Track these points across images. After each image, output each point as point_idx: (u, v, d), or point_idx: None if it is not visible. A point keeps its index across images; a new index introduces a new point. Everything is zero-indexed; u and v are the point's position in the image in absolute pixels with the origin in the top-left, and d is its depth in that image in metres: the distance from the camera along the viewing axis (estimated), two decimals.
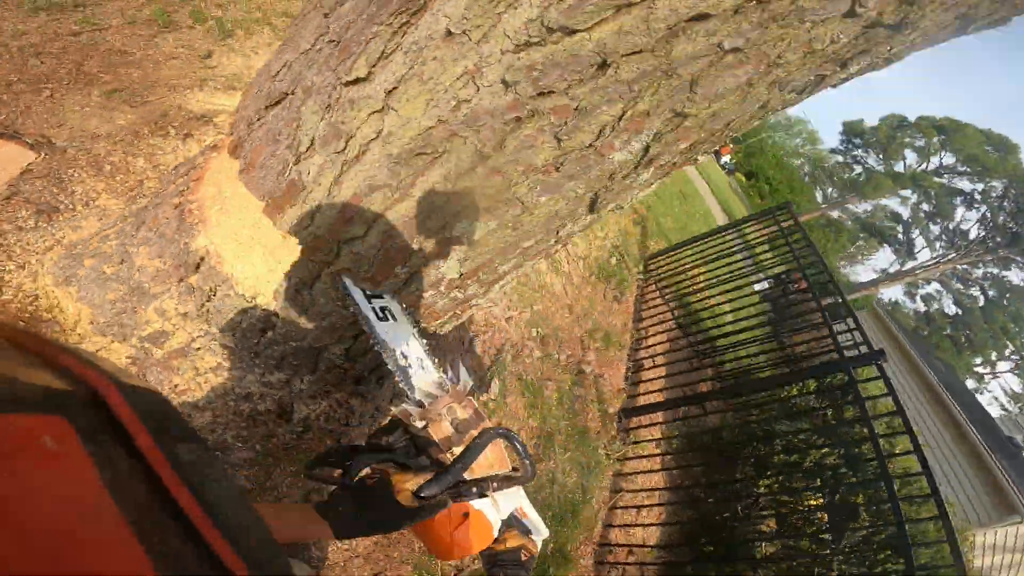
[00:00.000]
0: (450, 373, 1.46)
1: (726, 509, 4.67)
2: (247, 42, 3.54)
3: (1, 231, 2.02)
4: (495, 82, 1.21)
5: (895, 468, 4.18)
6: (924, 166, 32.31)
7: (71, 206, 2.17)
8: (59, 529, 0.31)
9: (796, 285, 7.97)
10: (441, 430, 1.26)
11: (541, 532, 1.35)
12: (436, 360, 1.57)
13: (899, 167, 34.42)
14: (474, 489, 1.15)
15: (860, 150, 38.28)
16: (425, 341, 1.59)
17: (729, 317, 7.17)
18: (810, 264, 5.39)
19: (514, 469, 1.24)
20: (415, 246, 1.61)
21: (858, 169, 38.38)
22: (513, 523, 1.30)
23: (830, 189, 41.20)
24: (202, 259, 1.96)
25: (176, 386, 2.10)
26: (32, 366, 0.39)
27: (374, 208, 1.48)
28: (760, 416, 5.08)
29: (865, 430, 3.97)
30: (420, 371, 1.49)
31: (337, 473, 1.12)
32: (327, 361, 2.22)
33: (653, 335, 5.89)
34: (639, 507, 4.34)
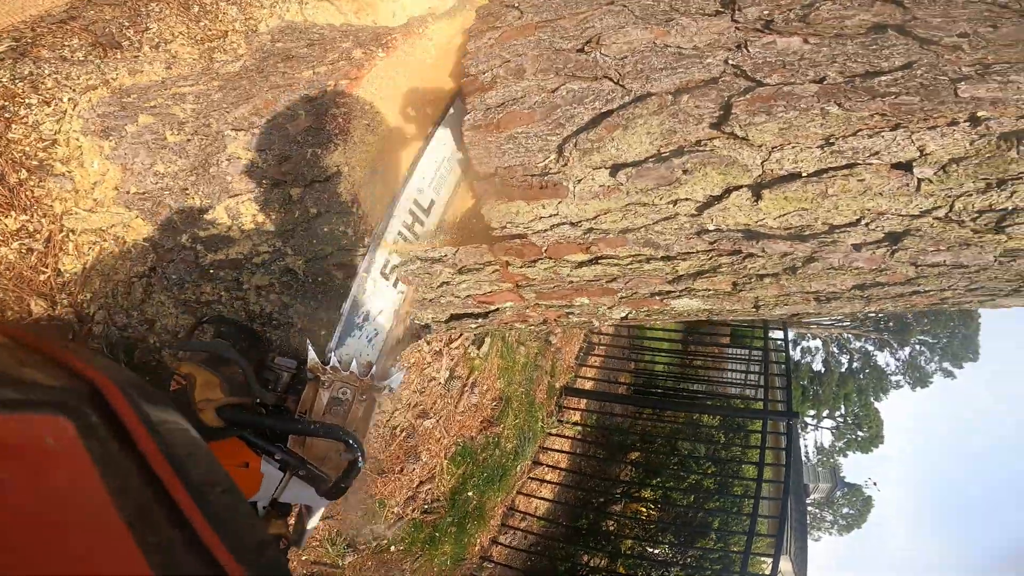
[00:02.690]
0: (391, 371, 1.35)
1: (605, 499, 5.09)
2: None
3: (38, 57, 1.35)
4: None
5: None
6: None
7: (137, 44, 1.53)
8: (58, 525, 0.31)
9: None
10: (314, 393, 1.19)
11: (299, 545, 1.27)
12: (387, 352, 1.43)
13: None
14: (277, 456, 1.09)
15: None
16: (400, 329, 1.46)
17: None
18: None
19: (336, 480, 1.13)
20: None
21: None
22: (287, 514, 1.21)
23: None
24: (329, 178, 1.47)
25: (203, 293, 1.63)
26: (36, 365, 0.42)
27: (622, 253, 1.17)
28: (666, 429, 5.47)
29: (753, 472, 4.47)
30: (363, 340, 1.37)
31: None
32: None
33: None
34: (543, 480, 4.54)
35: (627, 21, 1.06)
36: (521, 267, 1.32)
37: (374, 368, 1.30)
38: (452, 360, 3.21)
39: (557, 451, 4.75)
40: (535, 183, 1.11)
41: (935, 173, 0.92)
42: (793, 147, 0.94)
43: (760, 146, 0.96)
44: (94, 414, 0.38)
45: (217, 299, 1.72)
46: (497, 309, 1.61)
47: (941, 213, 1.00)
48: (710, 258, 1.16)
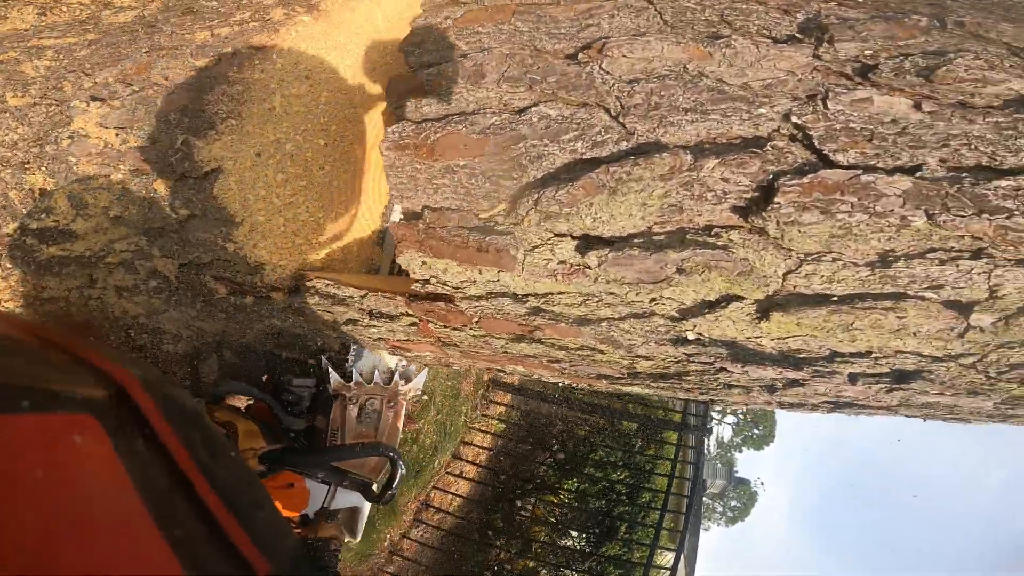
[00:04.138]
0: (412, 374, 1.34)
1: (520, 494, 4.98)
2: None
3: None
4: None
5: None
6: None
7: None
8: (88, 520, 0.31)
9: None
10: (342, 410, 1.21)
11: (355, 536, 1.35)
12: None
13: None
14: (320, 474, 1.12)
15: None
16: None
17: None
18: None
19: (383, 488, 1.17)
20: None
21: None
22: (339, 517, 1.26)
23: None
24: (205, 175, 1.08)
25: (46, 289, 1.25)
26: (62, 364, 0.41)
27: (572, 344, 0.87)
28: (589, 432, 5.39)
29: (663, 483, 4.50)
30: (384, 352, 1.33)
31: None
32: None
33: None
34: (460, 476, 4.34)
35: (651, 26, 0.71)
36: (445, 328, 1.01)
37: (396, 374, 1.29)
38: None
39: (478, 446, 4.55)
40: (472, 242, 0.78)
41: (994, 323, 0.69)
42: (835, 260, 0.67)
43: (791, 251, 0.68)
44: (120, 412, 0.38)
45: (64, 296, 1.35)
46: (415, 354, 1.29)
47: (968, 361, 0.78)
48: (678, 363, 0.90)
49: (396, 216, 1.33)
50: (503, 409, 4.98)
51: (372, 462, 1.19)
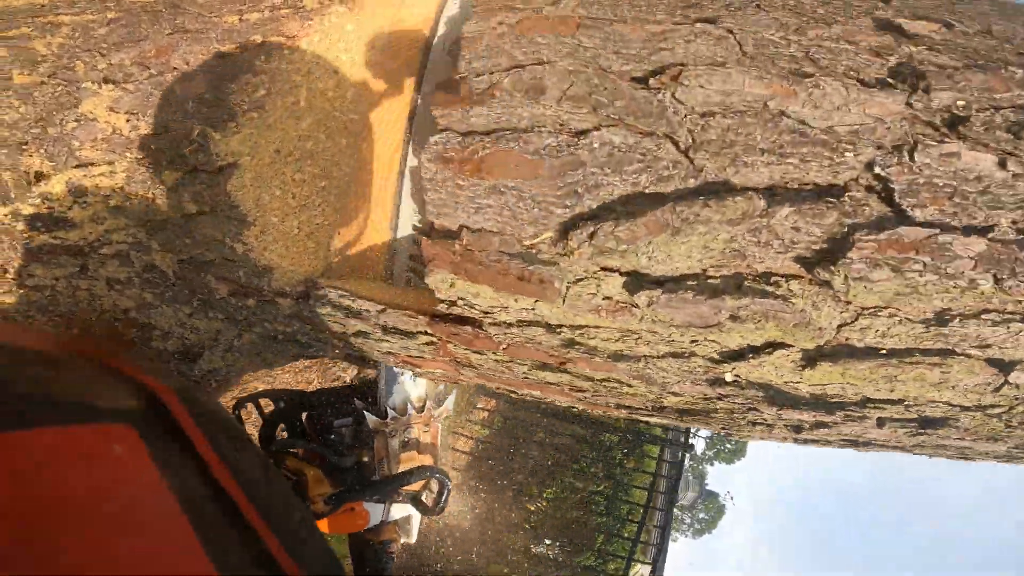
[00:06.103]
0: (442, 395, 1.44)
1: (499, 498, 4.94)
2: None
3: None
4: None
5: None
6: None
7: None
8: (126, 527, 0.32)
9: None
10: (384, 443, 1.29)
11: (411, 537, 1.44)
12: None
13: None
14: (375, 496, 1.22)
15: None
16: None
17: None
18: None
19: (434, 502, 1.27)
20: None
21: None
22: (397, 523, 1.38)
23: None
24: (220, 169, 1.02)
25: (32, 276, 1.19)
26: (103, 377, 0.47)
27: (600, 376, 0.84)
28: (571, 441, 5.37)
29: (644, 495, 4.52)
30: (407, 381, 1.39)
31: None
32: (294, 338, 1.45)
33: None
34: None
35: (730, 57, 0.67)
36: (466, 351, 0.97)
37: (428, 401, 1.37)
38: None
39: (459, 451, 4.51)
40: (513, 268, 0.74)
41: None
42: (892, 316, 0.65)
43: (849, 305, 0.66)
44: (154, 419, 0.40)
45: (51, 285, 1.28)
46: (423, 370, 1.25)
47: (995, 412, 0.78)
48: (708, 401, 0.88)
49: (405, 227, 1.28)
50: (486, 415, 4.93)
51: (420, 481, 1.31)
